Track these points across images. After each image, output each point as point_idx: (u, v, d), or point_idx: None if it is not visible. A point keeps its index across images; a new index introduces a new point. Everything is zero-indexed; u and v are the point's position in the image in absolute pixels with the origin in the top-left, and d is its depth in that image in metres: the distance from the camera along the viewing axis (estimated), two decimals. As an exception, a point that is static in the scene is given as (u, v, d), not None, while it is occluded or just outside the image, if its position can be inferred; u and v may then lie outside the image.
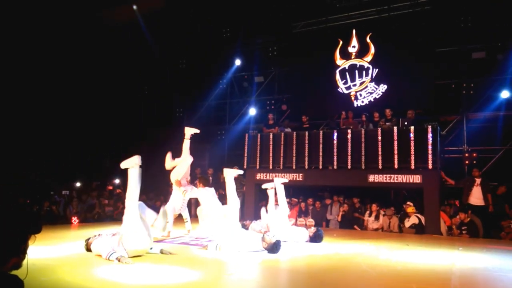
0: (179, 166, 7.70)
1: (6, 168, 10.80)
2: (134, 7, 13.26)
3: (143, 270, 4.48)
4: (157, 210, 11.24)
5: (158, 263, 4.91)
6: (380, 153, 9.81)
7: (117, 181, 13.06)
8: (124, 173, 14.09)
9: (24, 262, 1.98)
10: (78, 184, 12.18)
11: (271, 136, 11.25)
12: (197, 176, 12.34)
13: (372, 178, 9.85)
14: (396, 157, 9.62)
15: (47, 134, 11.91)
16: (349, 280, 4.53)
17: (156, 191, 12.35)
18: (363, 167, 9.98)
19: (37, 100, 11.70)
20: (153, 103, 15.36)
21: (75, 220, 9.86)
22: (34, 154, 11.35)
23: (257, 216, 8.55)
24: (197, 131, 7.92)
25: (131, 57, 14.22)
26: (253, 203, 11.03)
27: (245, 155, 11.57)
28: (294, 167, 10.78)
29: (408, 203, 9.71)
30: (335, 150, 10.36)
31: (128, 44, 13.87)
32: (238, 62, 14.60)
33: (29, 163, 11.14)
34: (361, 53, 12.30)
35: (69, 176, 12.05)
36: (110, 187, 12.65)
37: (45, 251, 5.22)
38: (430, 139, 9.35)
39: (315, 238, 7.10)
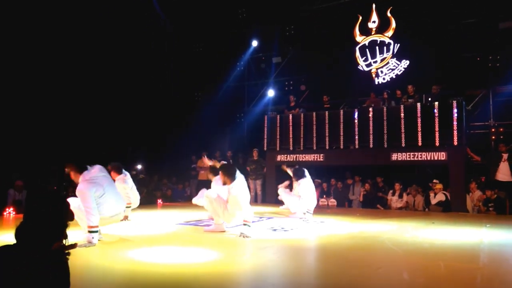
0: None
1: (33, 156, 11.06)
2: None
3: (171, 251, 4.54)
4: (179, 193, 11.30)
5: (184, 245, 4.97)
6: (403, 130, 9.60)
7: (139, 166, 13.23)
8: (146, 159, 14.07)
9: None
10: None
11: (290, 117, 11.15)
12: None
13: (395, 156, 9.68)
14: (420, 134, 9.41)
15: (70, 121, 12.09)
16: (374, 257, 4.48)
17: (178, 175, 12.49)
18: (385, 145, 9.81)
19: (57, 85, 11.82)
20: (172, 88, 15.39)
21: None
22: (60, 142, 11.54)
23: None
24: None
25: (147, 42, 14.24)
26: (274, 184, 11.01)
27: (265, 136, 11.53)
28: (314, 148, 10.68)
29: (435, 181, 9.51)
30: (356, 129, 10.20)
31: (145, 29, 13.86)
32: (255, 43, 14.39)
33: (54, 152, 11.36)
34: (382, 29, 11.93)
35: (92, 162, 12.25)
36: (133, 172, 12.84)
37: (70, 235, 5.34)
38: (455, 114, 9.09)
39: None
